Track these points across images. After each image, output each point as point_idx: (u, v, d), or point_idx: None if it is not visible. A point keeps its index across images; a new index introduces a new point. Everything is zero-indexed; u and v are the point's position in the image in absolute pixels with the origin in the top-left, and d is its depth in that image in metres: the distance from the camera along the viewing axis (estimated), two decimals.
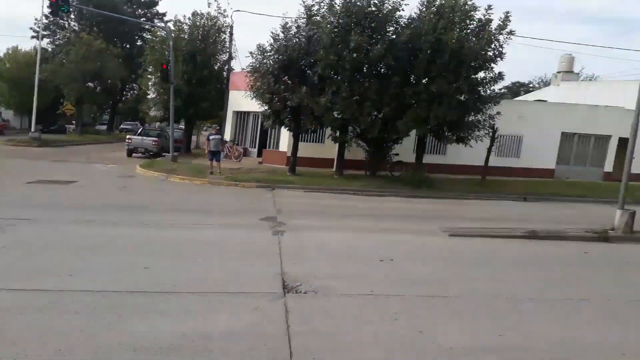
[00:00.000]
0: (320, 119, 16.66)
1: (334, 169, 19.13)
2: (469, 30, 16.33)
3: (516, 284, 6.32)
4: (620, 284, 6.71)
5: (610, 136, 23.85)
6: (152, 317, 4.61)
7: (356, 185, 16.05)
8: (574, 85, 29.00)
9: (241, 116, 25.87)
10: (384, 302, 5.28)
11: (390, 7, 16.01)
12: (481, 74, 17.08)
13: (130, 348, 3.94)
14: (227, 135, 25.03)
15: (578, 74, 36.87)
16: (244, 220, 9.91)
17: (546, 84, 40.65)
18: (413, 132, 18.07)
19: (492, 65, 16.85)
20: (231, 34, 26.80)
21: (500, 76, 17.22)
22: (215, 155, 17.75)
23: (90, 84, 37.76)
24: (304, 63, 16.60)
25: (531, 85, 48.53)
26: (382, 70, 16.55)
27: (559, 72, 31.65)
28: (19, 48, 39.21)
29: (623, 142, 14.02)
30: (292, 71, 16.79)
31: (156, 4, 50.74)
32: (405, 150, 19.72)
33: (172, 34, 23.87)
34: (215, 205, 12.02)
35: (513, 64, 56.02)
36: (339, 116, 16.65)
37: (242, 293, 5.36)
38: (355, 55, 15.20)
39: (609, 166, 24.17)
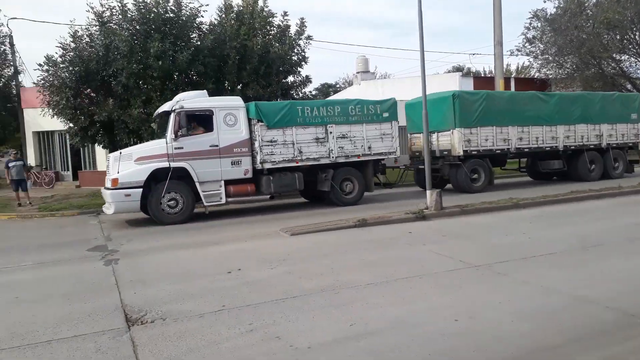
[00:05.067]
0: (137, 132, 15.65)
1: None
2: (270, 36, 17.12)
3: (361, 271, 6.75)
4: (441, 256, 7.64)
5: None
6: None
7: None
8: (372, 84, 32.19)
9: (44, 136, 23.09)
10: (237, 314, 5.19)
11: (188, 14, 15.80)
12: (291, 78, 18.03)
13: None
14: (32, 160, 22.07)
15: (374, 73, 41.25)
16: (68, 253, 8.86)
17: (350, 83, 44.41)
18: None
19: (299, 69, 17.92)
20: (12, 44, 23.56)
21: (308, 79, 18.48)
22: (20, 184, 15.57)
23: None
24: (105, 74, 15.37)
25: (338, 85, 52.51)
26: (195, 77, 16.27)
27: (358, 73, 34.80)
28: None
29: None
30: (93, 82, 15.45)
31: None
32: None
33: None
34: (30, 241, 10.52)
35: (319, 67, 60.22)
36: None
37: (78, 336, 4.76)
38: (161, 63, 14.60)
39: None
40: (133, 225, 11.79)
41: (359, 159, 13.66)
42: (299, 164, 12.94)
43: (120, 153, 11.87)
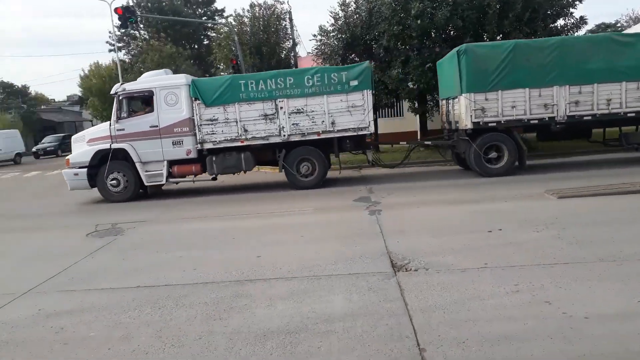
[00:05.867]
0: (395, 92, 16.32)
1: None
2: None
3: None
4: None
5: None
6: (273, 302, 4.75)
7: (446, 155, 15.54)
8: None
9: None
10: (500, 274, 5.05)
11: None
12: (560, 22, 15.83)
13: (260, 332, 4.09)
14: None
15: None
16: (338, 202, 9.97)
17: (635, 21, 36.58)
18: None
19: (572, 10, 15.58)
20: (291, 19, 26.87)
21: (582, 20, 15.88)
22: None
23: None
24: (368, 38, 16.27)
25: (619, 24, 43.96)
26: (452, 33, 15.81)
27: None
28: (100, 63, 42.07)
29: None
30: (357, 47, 16.55)
31: (213, 1, 52.06)
32: None
33: (235, 29, 24.33)
34: (306, 190, 12.16)
35: (593, 5, 51.08)
36: (414, 86, 16.19)
37: (351, 274, 5.37)
38: (419, 22, 14.62)
39: None
40: (392, 181, 12.50)
41: (318, 137, 11.92)
42: (245, 143, 12.00)
43: (76, 136, 12.95)
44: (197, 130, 11.93)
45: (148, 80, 12.40)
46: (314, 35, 17.63)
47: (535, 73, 11.30)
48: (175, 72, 36.89)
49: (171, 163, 12.12)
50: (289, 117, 11.82)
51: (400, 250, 6.09)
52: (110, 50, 47.77)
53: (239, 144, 12.02)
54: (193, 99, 11.86)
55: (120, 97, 12.03)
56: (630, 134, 12.31)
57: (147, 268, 6.25)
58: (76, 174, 12.25)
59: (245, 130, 11.92)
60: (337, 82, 11.74)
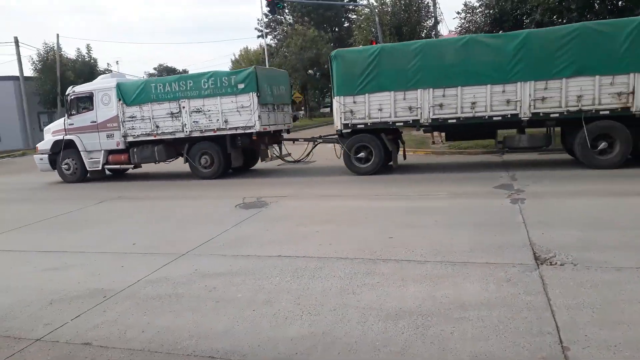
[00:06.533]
0: None
1: None
2: None
3: None
4: None
5: None
6: (405, 283, 4.79)
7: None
8: None
9: None
10: None
11: None
12: None
13: (392, 311, 4.17)
14: None
15: None
16: (476, 188, 9.58)
17: None
18: None
19: None
20: None
21: None
22: None
23: (310, 71, 41.29)
24: (519, 12, 15.06)
25: None
26: (620, 3, 13.92)
27: None
28: (249, 48, 45.14)
29: None
30: (506, 23, 15.44)
31: None
32: None
33: (376, 9, 24.21)
34: (443, 174, 11.88)
35: None
36: None
37: (488, 263, 5.16)
38: None
39: None
40: (537, 167, 11.61)
41: (214, 134, 13.24)
42: (157, 137, 13.79)
43: (46, 128, 15.79)
44: (121, 126, 14.04)
45: (92, 83, 15.25)
46: (458, 13, 16.93)
47: (400, 76, 11.39)
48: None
49: (108, 153, 14.44)
50: (190, 116, 13.35)
51: (545, 243, 5.68)
52: (258, 36, 51.09)
53: (153, 138, 13.88)
54: (118, 99, 13.94)
55: (71, 98, 14.67)
56: (509, 138, 11.92)
57: (287, 239, 6.69)
58: (41, 159, 15.24)
59: (157, 127, 13.72)
60: (227, 85, 12.93)
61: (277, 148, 14.44)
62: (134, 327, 4.24)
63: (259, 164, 15.21)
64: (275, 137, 14.25)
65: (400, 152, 12.98)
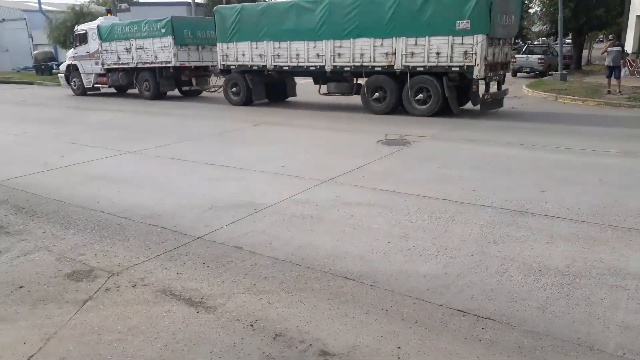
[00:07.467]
0: None
1: None
2: None
3: None
4: None
5: None
6: (554, 240, 4.45)
7: None
8: None
9: None
10: None
11: None
12: None
13: (536, 266, 3.95)
14: (629, 46, 21.10)
15: None
16: None
17: None
18: None
19: None
20: None
21: None
22: (613, 70, 15.37)
23: None
24: None
25: None
26: None
27: None
28: None
29: None
30: None
31: None
32: None
33: None
34: (617, 129, 10.47)
35: None
36: None
37: None
38: None
39: None
40: None
41: (150, 65, 17.56)
42: (120, 66, 18.49)
43: (66, 54, 21.96)
44: (100, 56, 18.88)
45: (89, 23, 20.04)
46: None
47: (253, 30, 14.31)
48: None
49: (97, 75, 19.36)
50: (136, 52, 17.75)
51: None
52: None
53: (117, 66, 18.60)
54: (99, 37, 18.69)
55: (76, 34, 19.85)
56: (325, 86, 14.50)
57: (428, 180, 6.57)
58: (61, 77, 21.27)
59: (119, 59, 18.47)
60: (156, 29, 16.94)
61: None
62: (278, 239, 4.62)
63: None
64: (198, 71, 17.86)
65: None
